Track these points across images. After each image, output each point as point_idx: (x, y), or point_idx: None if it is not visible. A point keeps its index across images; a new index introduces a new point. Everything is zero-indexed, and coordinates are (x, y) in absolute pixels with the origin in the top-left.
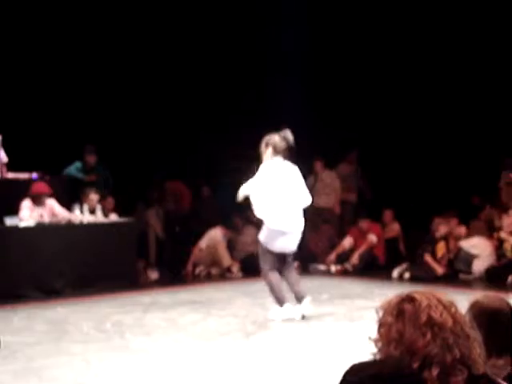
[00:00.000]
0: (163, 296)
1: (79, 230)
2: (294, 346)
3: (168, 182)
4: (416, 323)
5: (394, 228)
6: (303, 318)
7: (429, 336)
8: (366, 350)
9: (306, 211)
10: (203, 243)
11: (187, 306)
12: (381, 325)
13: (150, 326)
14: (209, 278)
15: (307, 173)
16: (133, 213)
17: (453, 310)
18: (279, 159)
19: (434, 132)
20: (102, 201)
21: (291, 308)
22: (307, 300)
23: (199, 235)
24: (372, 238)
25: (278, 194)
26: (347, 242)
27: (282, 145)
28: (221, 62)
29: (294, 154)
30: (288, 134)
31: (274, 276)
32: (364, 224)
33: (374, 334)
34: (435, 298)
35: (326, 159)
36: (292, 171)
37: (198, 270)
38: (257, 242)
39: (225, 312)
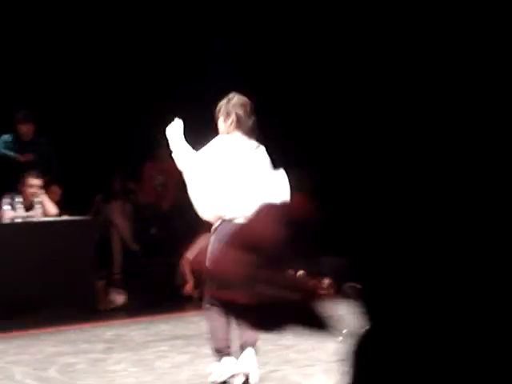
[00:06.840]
0: (133, 329)
1: (10, 233)
2: None
3: (143, 163)
4: None
5: None
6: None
7: None
8: None
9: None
10: (193, 255)
11: (167, 343)
12: None
13: (113, 372)
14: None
15: None
16: (89, 209)
17: None
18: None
19: None
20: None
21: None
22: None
23: (186, 240)
24: None
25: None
26: None
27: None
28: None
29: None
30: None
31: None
32: None
33: None
34: None
35: None
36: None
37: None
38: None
39: None
